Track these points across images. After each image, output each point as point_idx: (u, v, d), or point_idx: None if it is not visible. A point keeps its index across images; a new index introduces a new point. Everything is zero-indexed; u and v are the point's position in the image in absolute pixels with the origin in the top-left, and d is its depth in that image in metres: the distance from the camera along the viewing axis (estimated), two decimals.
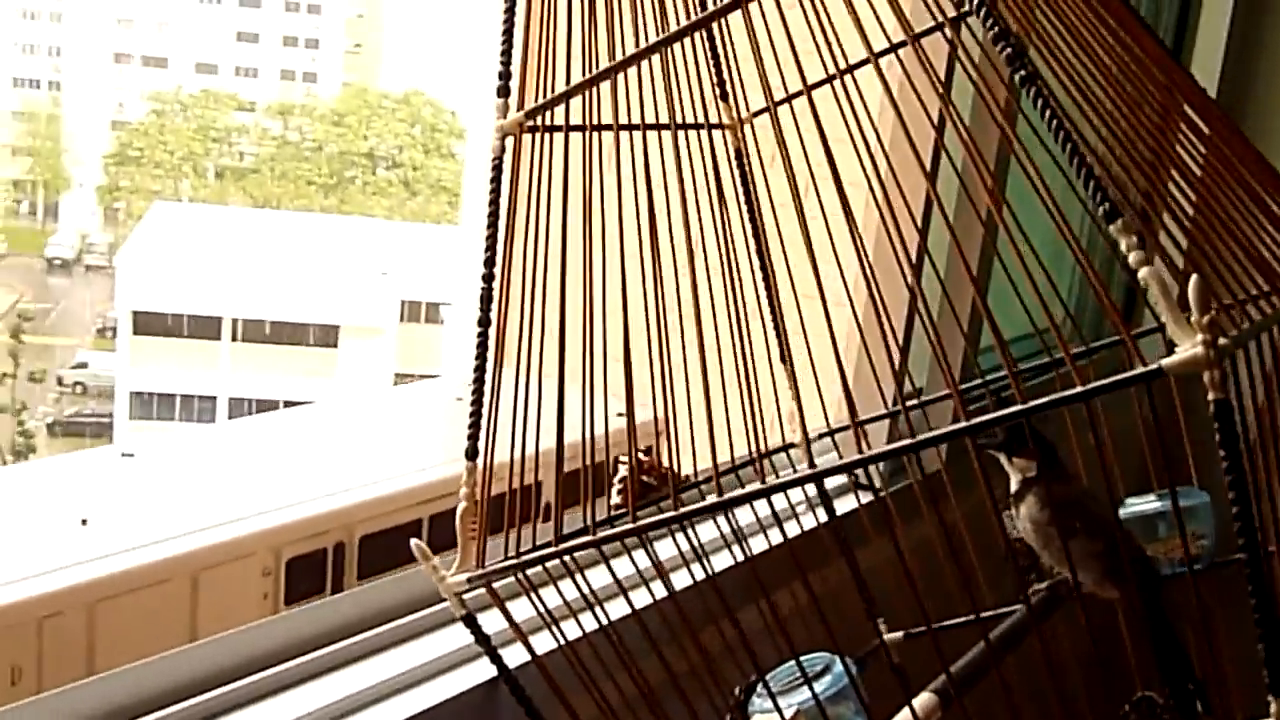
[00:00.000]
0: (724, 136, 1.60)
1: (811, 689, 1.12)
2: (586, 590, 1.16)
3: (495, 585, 1.19)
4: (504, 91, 1.27)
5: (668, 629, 1.18)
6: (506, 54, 1.27)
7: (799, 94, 1.40)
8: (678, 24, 1.26)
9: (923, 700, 1.12)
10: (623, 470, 1.42)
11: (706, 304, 1.46)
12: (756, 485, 1.17)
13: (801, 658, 1.15)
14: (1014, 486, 1.32)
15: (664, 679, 1.18)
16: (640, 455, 1.44)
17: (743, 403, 1.50)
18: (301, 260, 23.29)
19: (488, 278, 1.27)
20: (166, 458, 3.06)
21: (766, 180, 1.59)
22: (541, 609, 1.18)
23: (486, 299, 1.26)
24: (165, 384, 23.15)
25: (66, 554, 1.85)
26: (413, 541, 1.22)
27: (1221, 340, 0.87)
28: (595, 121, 1.33)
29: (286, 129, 30.28)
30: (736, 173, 1.59)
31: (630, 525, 1.14)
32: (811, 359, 1.51)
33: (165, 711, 1.17)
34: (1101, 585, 1.32)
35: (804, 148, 1.34)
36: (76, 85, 29.88)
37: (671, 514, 1.13)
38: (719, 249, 1.54)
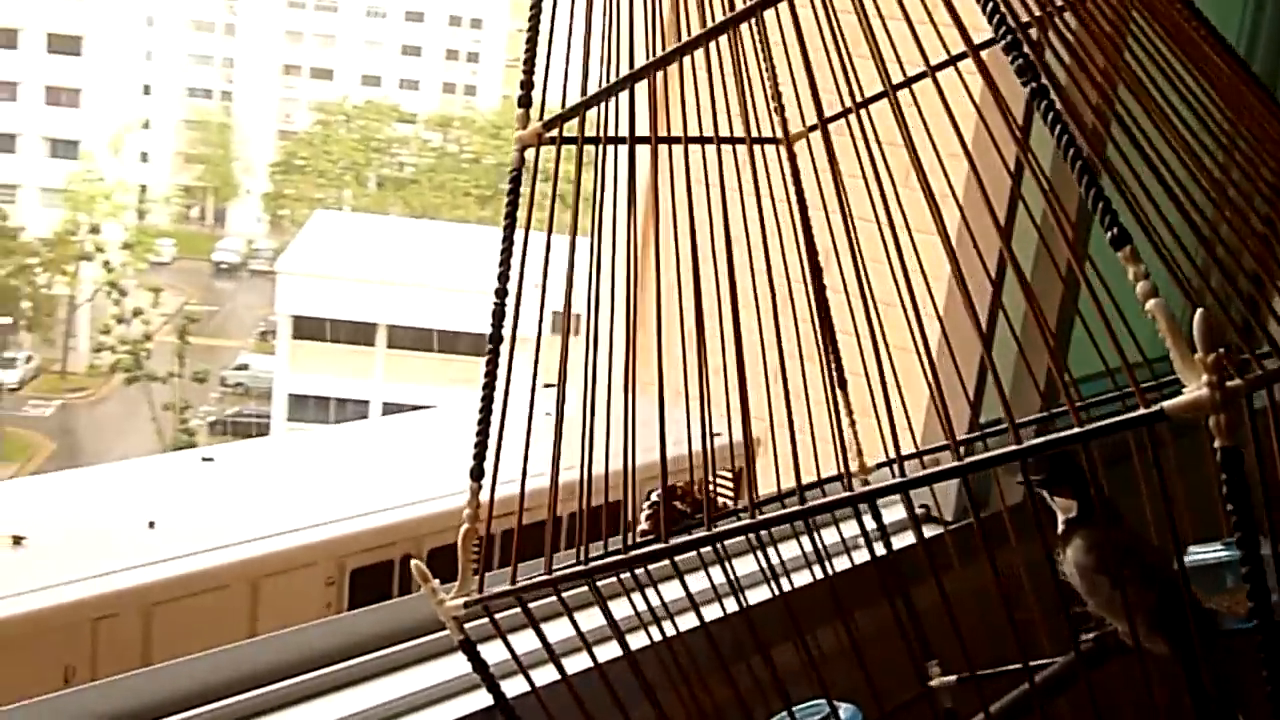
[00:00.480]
0: (778, 152, 1.55)
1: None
2: (582, 625, 1.12)
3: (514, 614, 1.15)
4: (524, 102, 1.23)
5: (678, 666, 1.13)
6: (529, 64, 1.23)
7: (864, 105, 1.34)
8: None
9: None
10: (653, 496, 1.38)
11: (754, 323, 1.41)
12: (790, 508, 1.11)
13: (799, 706, 1.09)
14: (1060, 527, 1.24)
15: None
16: (675, 484, 1.39)
17: (812, 429, 1.44)
18: (456, 270, 23.66)
19: (501, 293, 1.23)
20: (246, 463, 3.09)
21: (824, 193, 1.52)
22: (539, 640, 1.14)
23: (498, 316, 1.22)
24: (321, 387, 23.72)
25: (128, 556, 1.87)
26: (413, 563, 1.19)
27: (1231, 382, 0.78)
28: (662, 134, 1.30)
29: (446, 140, 30.82)
30: (791, 189, 1.54)
31: (622, 556, 1.09)
32: (875, 382, 1.43)
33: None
34: (1150, 639, 1.23)
35: (871, 157, 1.28)
36: (247, 95, 30.89)
37: (692, 538, 1.08)
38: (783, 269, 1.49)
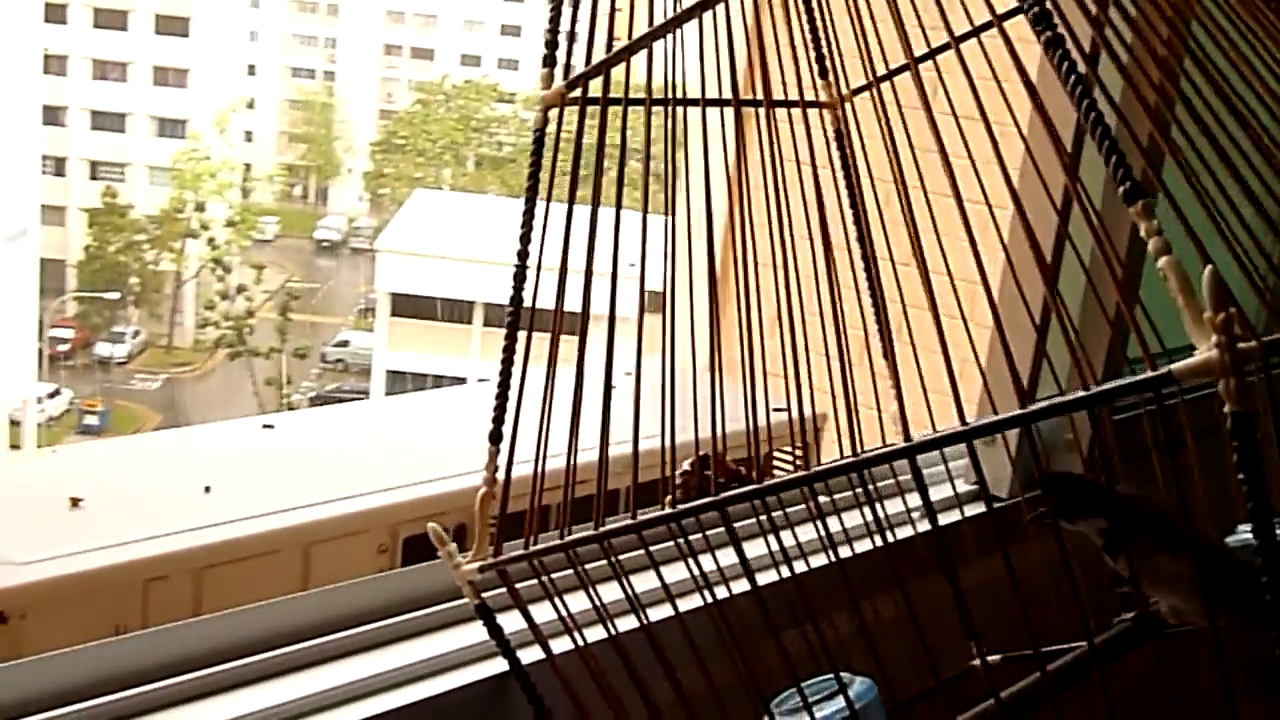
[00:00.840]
0: (821, 115, 1.51)
1: (848, 699, 1.03)
2: (588, 600, 1.10)
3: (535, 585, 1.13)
4: (549, 61, 1.21)
5: (690, 642, 1.11)
6: (554, 23, 1.21)
7: (905, 68, 1.30)
8: None
9: None
10: (685, 465, 1.35)
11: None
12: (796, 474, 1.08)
13: (813, 680, 1.07)
14: (1098, 541, 1.19)
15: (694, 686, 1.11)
16: (707, 453, 1.37)
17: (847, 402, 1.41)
18: (553, 250, 23.66)
19: (522, 254, 1.22)
20: (306, 431, 3.10)
21: (873, 159, 1.49)
22: (560, 604, 1.12)
23: (519, 279, 1.21)
24: (418, 364, 23.94)
25: (182, 520, 1.89)
26: (429, 525, 1.18)
27: (1243, 344, 0.74)
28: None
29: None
30: (836, 155, 1.50)
31: (669, 511, 1.07)
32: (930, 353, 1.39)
33: (171, 681, 1.16)
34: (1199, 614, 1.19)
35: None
36: (349, 75, 31.25)
37: (706, 500, 1.05)
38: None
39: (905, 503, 1.56)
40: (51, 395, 23.49)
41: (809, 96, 1.48)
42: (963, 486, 1.77)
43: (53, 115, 25.63)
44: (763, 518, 1.20)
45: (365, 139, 30.89)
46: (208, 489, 1.92)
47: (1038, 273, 0.97)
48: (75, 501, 1.81)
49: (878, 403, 1.50)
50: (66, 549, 1.73)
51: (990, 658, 1.44)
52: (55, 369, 24.41)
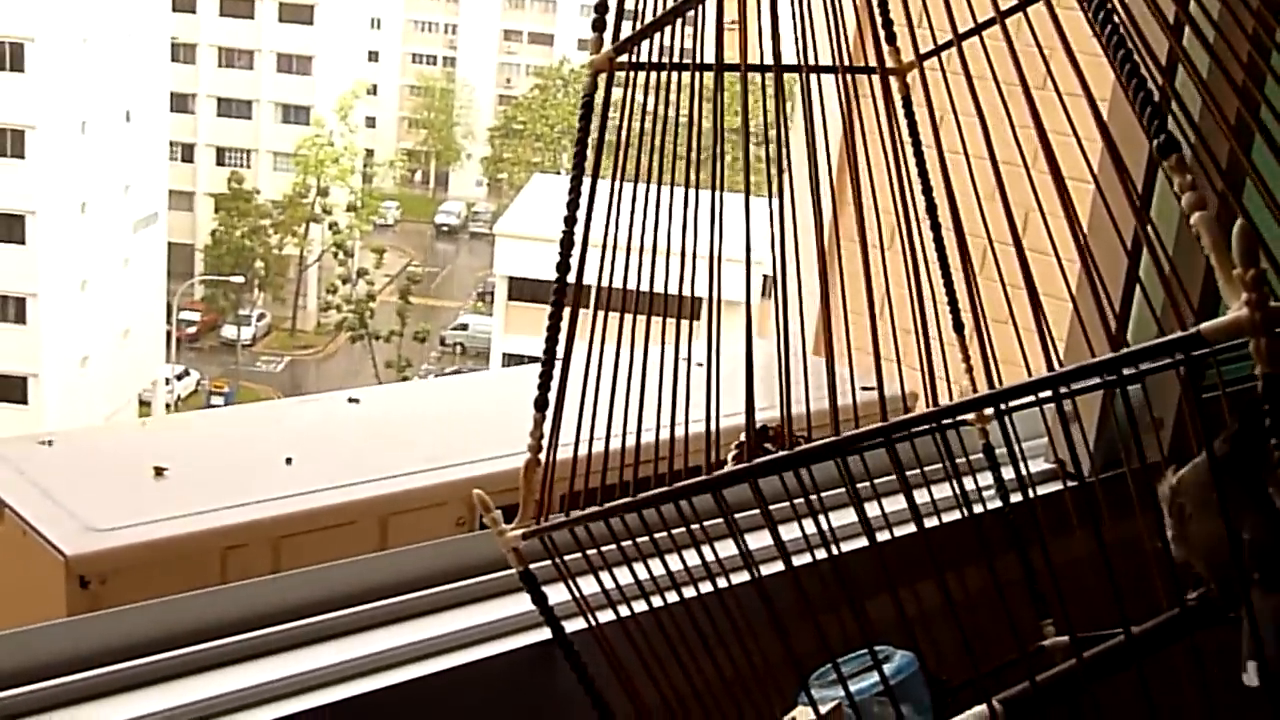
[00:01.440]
0: (886, 82, 1.48)
1: (882, 674, 1.01)
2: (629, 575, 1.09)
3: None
4: (599, 25, 1.20)
5: (729, 618, 1.09)
6: None
7: (971, 33, 1.27)
8: None
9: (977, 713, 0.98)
10: (741, 436, 1.34)
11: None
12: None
13: (852, 655, 1.04)
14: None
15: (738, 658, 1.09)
16: (765, 424, 1.36)
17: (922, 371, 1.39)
18: (669, 234, 23.64)
19: (570, 220, 1.21)
20: (391, 405, 3.13)
21: (938, 129, 1.45)
22: (603, 574, 1.12)
23: (567, 244, 1.20)
24: (536, 348, 24.10)
25: (262, 490, 1.93)
26: (474, 492, 1.18)
27: (1276, 303, 0.71)
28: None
29: (660, 104, 30.75)
30: (904, 121, 1.47)
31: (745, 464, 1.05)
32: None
33: (231, 639, 1.17)
34: None
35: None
36: (468, 61, 31.55)
37: (818, 442, 1.03)
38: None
39: (976, 480, 1.52)
40: (180, 376, 24.13)
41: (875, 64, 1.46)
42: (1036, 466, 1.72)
43: (181, 102, 26.30)
44: (800, 488, 1.18)
45: (484, 124, 31.15)
46: (289, 460, 1.96)
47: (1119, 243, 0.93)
48: (159, 471, 1.86)
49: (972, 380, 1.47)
50: (147, 516, 1.78)
51: (1057, 639, 1.40)
52: (183, 351, 25.07)
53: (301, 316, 27.21)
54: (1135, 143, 0.94)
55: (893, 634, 1.15)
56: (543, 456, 1.16)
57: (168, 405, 23.06)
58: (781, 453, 0.98)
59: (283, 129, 27.59)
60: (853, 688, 1.01)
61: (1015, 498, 1.55)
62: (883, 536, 1.31)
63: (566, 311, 1.19)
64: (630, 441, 1.13)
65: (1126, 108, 0.94)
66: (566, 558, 1.15)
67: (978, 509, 1.49)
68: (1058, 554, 1.39)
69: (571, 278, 1.18)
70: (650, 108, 1.24)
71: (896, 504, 1.37)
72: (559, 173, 29.29)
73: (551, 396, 1.18)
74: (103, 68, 22.42)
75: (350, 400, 2.74)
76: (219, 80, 27.66)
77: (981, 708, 0.98)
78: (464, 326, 26.94)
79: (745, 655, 1.03)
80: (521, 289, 24.16)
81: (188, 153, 27.25)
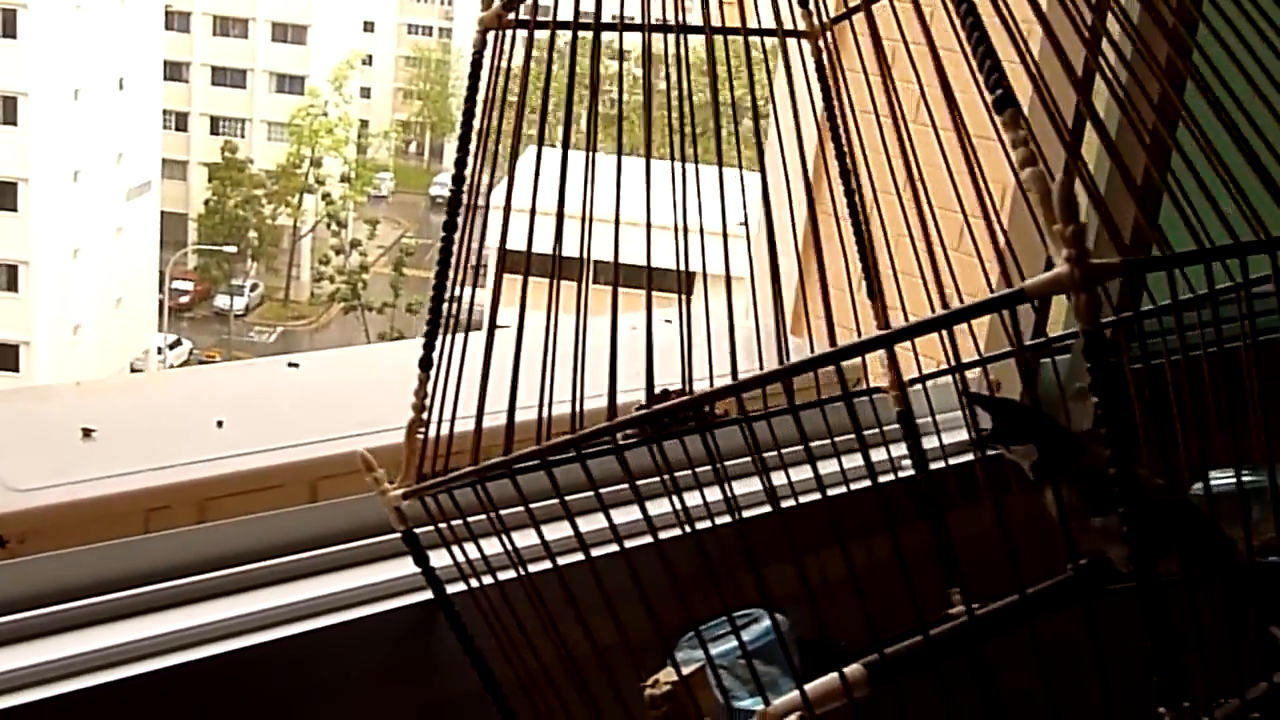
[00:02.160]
0: (799, 45, 1.47)
1: (739, 638, 1.00)
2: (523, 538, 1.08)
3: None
4: None
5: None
6: None
7: None
8: None
9: (851, 671, 0.98)
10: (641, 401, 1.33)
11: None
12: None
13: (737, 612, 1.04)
14: (1028, 474, 1.15)
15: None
16: (667, 387, 1.35)
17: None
18: (663, 209, 23.67)
19: (457, 179, 1.20)
20: (330, 370, 3.09)
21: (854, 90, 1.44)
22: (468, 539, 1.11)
23: (454, 203, 1.20)
24: (528, 320, 24.07)
25: (190, 452, 1.91)
26: (358, 450, 1.17)
27: (1097, 259, 0.70)
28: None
29: (656, 77, 30.71)
30: (817, 85, 1.46)
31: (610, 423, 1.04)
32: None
33: (117, 595, 1.17)
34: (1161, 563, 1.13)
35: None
36: (465, 31, 31.41)
37: (608, 424, 1.02)
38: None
39: (889, 450, 1.52)
40: (172, 345, 24.10)
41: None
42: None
43: (175, 70, 26.19)
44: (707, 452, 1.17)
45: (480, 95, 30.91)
46: (220, 423, 1.95)
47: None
48: (87, 432, 1.85)
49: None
50: (71, 477, 1.77)
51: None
52: (176, 320, 25.03)
53: (295, 287, 27.17)
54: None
55: (793, 602, 1.15)
56: (425, 416, 1.15)
57: (185, 367, 23.03)
58: (639, 412, 0.97)
59: (277, 99, 27.48)
60: (719, 649, 1.01)
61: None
62: (787, 504, 1.30)
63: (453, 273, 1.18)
64: (532, 410, 1.12)
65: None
66: (473, 520, 1.15)
67: (886, 478, 1.48)
68: (970, 524, 1.38)
69: (472, 242, 1.17)
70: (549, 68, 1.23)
71: (805, 473, 1.37)
72: (553, 146, 29.18)
73: (437, 357, 1.17)
74: (96, 35, 22.32)
75: (290, 365, 2.72)
76: (213, 49, 27.53)
77: (855, 666, 0.98)
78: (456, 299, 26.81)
79: (615, 621, 1.02)
80: (516, 262, 24.11)
81: (181, 121, 27.15)
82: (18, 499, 1.63)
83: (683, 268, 1.26)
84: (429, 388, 1.16)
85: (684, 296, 1.30)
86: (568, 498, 1.04)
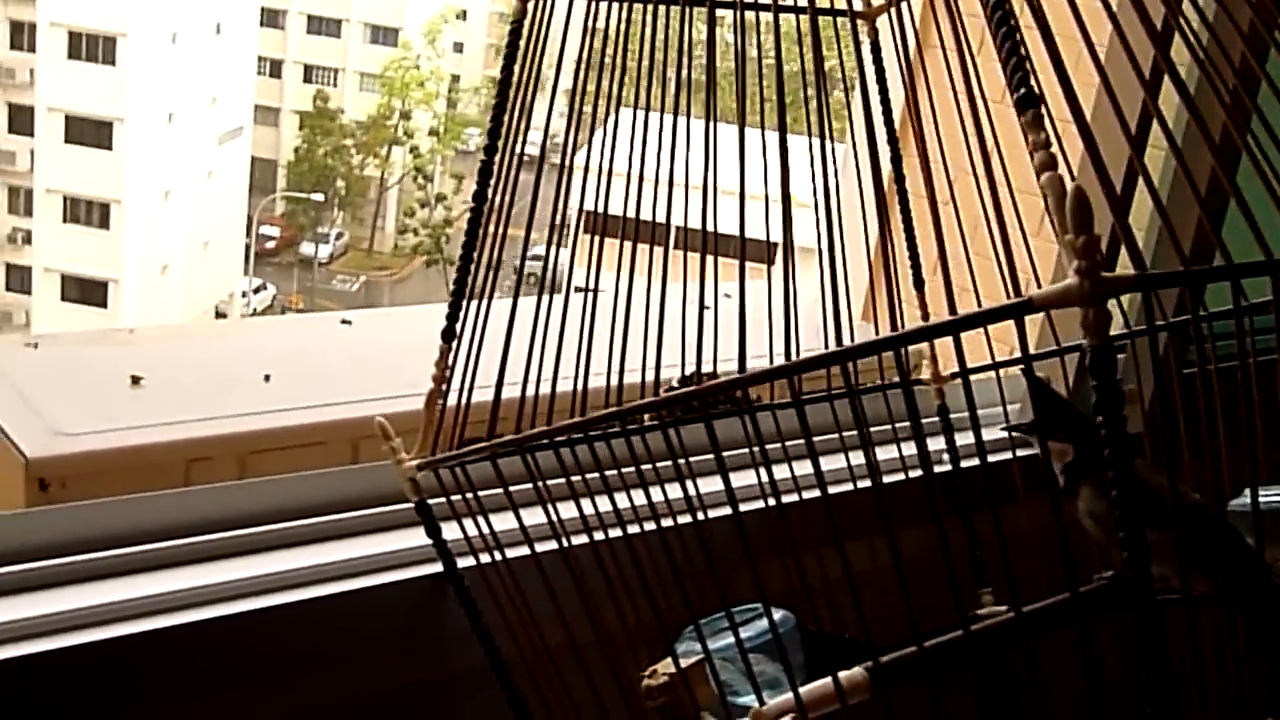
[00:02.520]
0: (855, 25, 1.44)
1: (736, 634, 0.98)
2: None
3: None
4: None
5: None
6: None
7: None
8: None
9: (850, 675, 0.95)
10: (673, 382, 1.31)
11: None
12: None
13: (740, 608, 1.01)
14: (1059, 478, 1.11)
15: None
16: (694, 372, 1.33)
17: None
18: (749, 177, 23.52)
19: (489, 150, 1.19)
20: (385, 329, 3.07)
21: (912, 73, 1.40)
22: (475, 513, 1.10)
23: (485, 173, 1.18)
24: (606, 281, 24.08)
25: (237, 405, 1.91)
26: (376, 418, 1.17)
27: (1110, 274, 0.67)
28: None
29: (749, 44, 30.50)
30: (871, 66, 1.43)
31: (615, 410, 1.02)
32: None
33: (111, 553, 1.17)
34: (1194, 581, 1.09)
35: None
36: None
37: (614, 410, 1.01)
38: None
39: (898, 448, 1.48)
40: (257, 290, 24.41)
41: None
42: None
43: (271, 18, 26.40)
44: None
45: (570, 55, 30.91)
46: (267, 377, 1.95)
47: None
48: (136, 380, 1.86)
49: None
50: (116, 424, 1.78)
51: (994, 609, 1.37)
52: (261, 265, 25.33)
53: (379, 238, 27.37)
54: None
55: (810, 597, 1.12)
56: (445, 388, 1.14)
57: (244, 318, 23.35)
58: (646, 400, 0.95)
59: (370, 49, 27.61)
60: (723, 642, 0.99)
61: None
62: (815, 494, 1.28)
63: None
64: (566, 385, 1.11)
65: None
66: (472, 495, 1.13)
67: (916, 473, 1.45)
68: (1005, 524, 1.35)
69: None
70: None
71: (840, 462, 1.35)
72: (644, 109, 29.07)
73: (463, 329, 1.16)
74: None
75: (343, 322, 2.72)
76: None
77: (857, 670, 0.95)
78: (538, 257, 26.87)
79: (618, 611, 1.00)
80: (598, 223, 24.08)
81: (275, 68, 27.37)
82: (61, 443, 1.65)
83: (745, 239, 1.23)
84: (450, 359, 1.14)
85: (744, 270, 1.27)
86: (589, 476, 1.02)
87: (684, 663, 0.96)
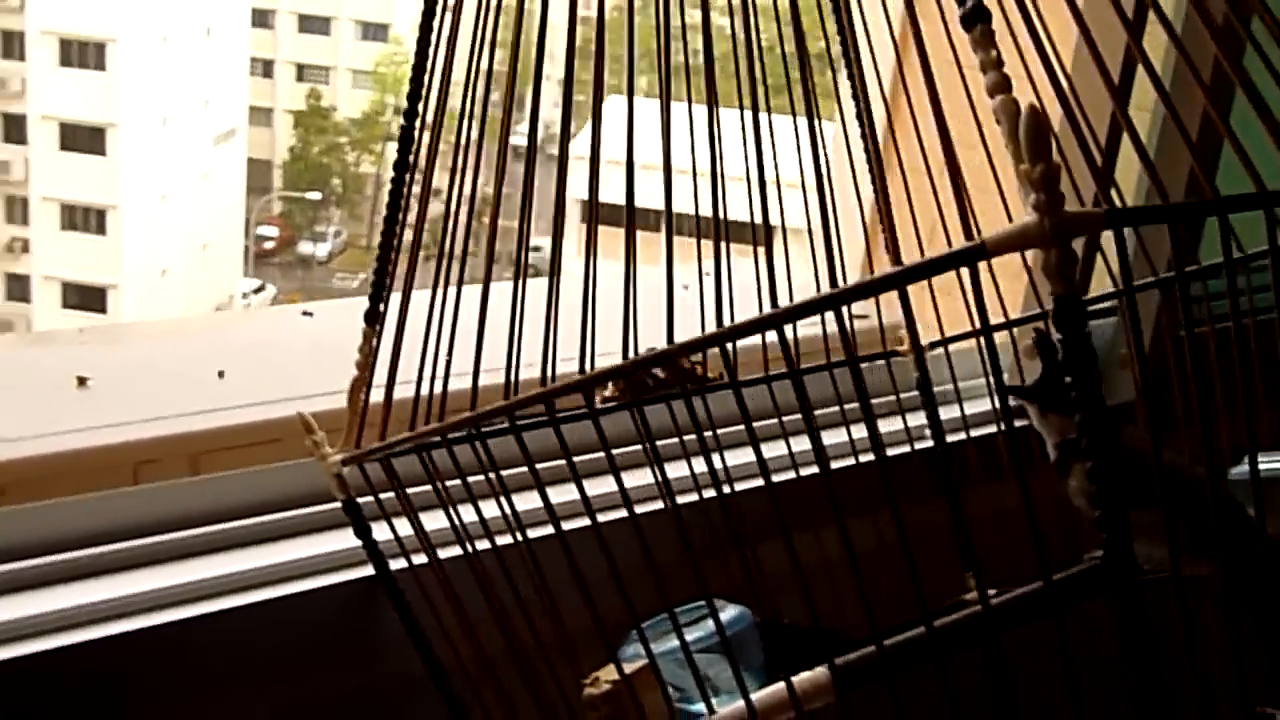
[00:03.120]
0: None
1: (680, 636, 0.89)
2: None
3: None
4: None
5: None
6: None
7: None
8: None
9: (811, 677, 0.86)
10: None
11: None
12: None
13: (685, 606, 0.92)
14: (1051, 452, 1.02)
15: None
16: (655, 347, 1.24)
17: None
18: (738, 159, 23.46)
19: (410, 114, 1.10)
20: (347, 320, 2.98)
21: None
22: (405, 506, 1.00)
23: (405, 140, 1.09)
24: (607, 270, 24.02)
25: (186, 403, 1.81)
26: (297, 411, 1.07)
27: (1076, 209, 0.57)
28: None
29: (741, 29, 30.38)
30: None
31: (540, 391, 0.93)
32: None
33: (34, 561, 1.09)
34: (1191, 562, 1.00)
35: None
36: None
37: (540, 392, 0.92)
38: None
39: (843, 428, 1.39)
40: (256, 290, 24.32)
41: None
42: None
43: (261, 18, 26.27)
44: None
45: (561, 46, 30.80)
46: (221, 374, 1.86)
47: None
48: (82, 381, 1.77)
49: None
50: (60, 428, 1.70)
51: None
52: (260, 265, 25.25)
53: (376, 234, 27.20)
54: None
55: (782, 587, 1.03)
56: (370, 376, 1.05)
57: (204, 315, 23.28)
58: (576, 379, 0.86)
59: (361, 46, 27.50)
60: (671, 645, 0.89)
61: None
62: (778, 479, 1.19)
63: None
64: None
65: None
66: (399, 492, 1.04)
67: (896, 450, 1.36)
68: (993, 502, 1.26)
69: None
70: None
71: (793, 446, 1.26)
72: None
73: (389, 312, 1.07)
74: None
75: (304, 314, 2.61)
76: None
77: (819, 670, 0.86)
78: (537, 248, 26.82)
79: (552, 609, 0.91)
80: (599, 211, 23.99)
81: (267, 68, 27.26)
82: (2, 449, 1.56)
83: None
84: (375, 343, 1.05)
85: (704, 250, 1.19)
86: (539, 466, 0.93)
87: (629, 668, 0.86)
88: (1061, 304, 0.57)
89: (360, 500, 1.05)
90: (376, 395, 1.10)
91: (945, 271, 0.62)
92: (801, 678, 0.84)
